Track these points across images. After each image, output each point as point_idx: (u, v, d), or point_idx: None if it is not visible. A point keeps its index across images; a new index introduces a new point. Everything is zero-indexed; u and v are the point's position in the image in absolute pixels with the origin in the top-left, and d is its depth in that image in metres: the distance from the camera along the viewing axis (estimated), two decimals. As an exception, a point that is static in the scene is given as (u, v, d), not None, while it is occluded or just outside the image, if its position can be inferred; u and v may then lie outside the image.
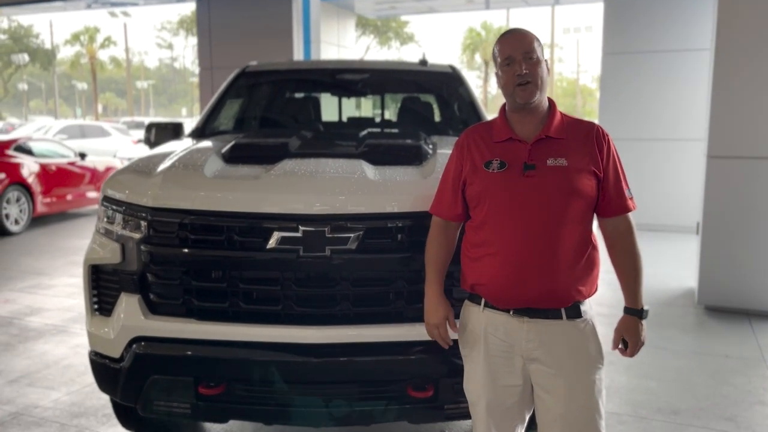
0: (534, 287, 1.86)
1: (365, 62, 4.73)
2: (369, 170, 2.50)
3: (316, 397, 2.32)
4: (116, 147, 17.12)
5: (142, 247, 2.40)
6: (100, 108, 52.54)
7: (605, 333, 1.97)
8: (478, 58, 47.91)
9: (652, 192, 8.27)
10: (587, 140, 1.93)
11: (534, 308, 1.89)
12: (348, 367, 2.30)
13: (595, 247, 1.94)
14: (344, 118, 4.43)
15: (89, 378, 3.52)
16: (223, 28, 10.65)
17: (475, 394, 2.01)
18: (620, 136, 8.10)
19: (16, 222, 8.77)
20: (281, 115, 4.16)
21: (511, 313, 1.92)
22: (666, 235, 8.03)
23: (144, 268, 2.41)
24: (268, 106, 4.27)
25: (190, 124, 4.18)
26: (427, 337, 2.33)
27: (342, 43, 13.19)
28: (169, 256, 2.37)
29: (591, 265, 1.93)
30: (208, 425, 3.24)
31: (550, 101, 2.00)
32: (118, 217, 2.52)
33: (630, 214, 1.98)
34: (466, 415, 2.18)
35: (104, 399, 3.43)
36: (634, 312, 1.98)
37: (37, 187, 9.12)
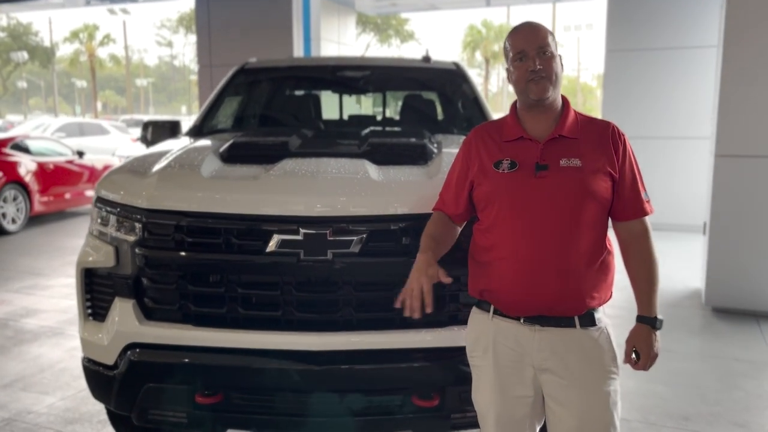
0: (546, 294, 1.77)
1: (367, 59, 4.64)
2: (372, 170, 2.41)
3: (317, 406, 2.23)
4: (115, 145, 17.01)
5: (137, 250, 2.31)
6: (99, 106, 52.46)
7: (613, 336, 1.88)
8: (478, 55, 47.82)
9: (656, 191, 8.15)
10: (602, 140, 1.84)
11: (546, 316, 1.81)
12: (350, 375, 2.22)
13: (610, 252, 1.86)
14: (345, 116, 4.34)
15: (84, 382, 3.41)
16: (223, 26, 10.55)
17: (484, 405, 1.92)
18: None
19: (13, 221, 8.68)
20: (281, 113, 4.07)
21: (522, 320, 1.83)
22: (671, 234, 7.93)
23: (139, 272, 2.33)
24: (267, 103, 4.18)
25: (189, 122, 4.09)
26: (432, 344, 2.25)
27: (342, 41, 13.10)
28: (164, 260, 2.29)
29: (606, 270, 1.84)
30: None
31: (564, 99, 1.91)
32: (112, 218, 2.44)
33: (647, 218, 1.88)
34: (474, 425, 2.10)
35: (99, 405, 3.34)
36: (647, 321, 1.89)
37: (34, 186, 9.03)
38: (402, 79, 4.18)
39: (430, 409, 2.24)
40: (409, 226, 2.22)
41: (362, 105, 9.58)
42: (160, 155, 2.72)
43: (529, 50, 1.81)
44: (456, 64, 4.07)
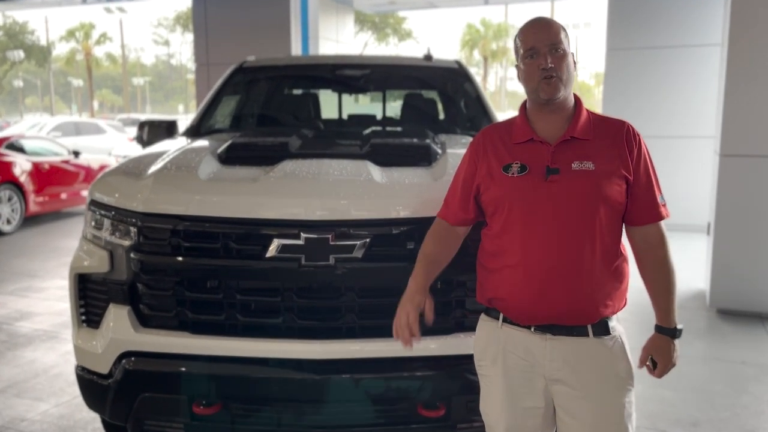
0: (558, 302, 1.70)
1: (368, 57, 4.56)
2: (375, 172, 2.34)
3: (319, 416, 2.16)
4: (111, 144, 16.89)
5: (132, 255, 2.24)
6: (96, 105, 52.30)
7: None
8: (476, 54, 47.75)
9: (658, 190, 8.12)
10: (616, 140, 1.76)
11: (558, 325, 1.73)
12: (353, 385, 2.14)
13: (624, 258, 1.78)
14: (345, 116, 4.26)
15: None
16: (220, 24, 10.47)
17: (493, 417, 1.85)
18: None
19: (8, 222, 8.58)
20: (280, 113, 3.99)
21: (533, 329, 1.76)
22: (673, 234, 7.82)
23: (134, 278, 2.25)
24: (266, 103, 4.10)
25: (186, 122, 4.00)
26: (438, 352, 2.18)
27: (341, 39, 13.02)
28: (161, 265, 2.21)
29: (620, 277, 1.77)
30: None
31: (576, 98, 1.84)
32: (107, 222, 2.36)
33: (662, 223, 1.81)
34: (481, 436, 2.03)
35: (94, 413, 3.26)
36: (666, 331, 1.82)
37: (29, 186, 8.93)
38: (403, 78, 4.10)
39: (436, 420, 2.18)
40: (414, 230, 2.14)
41: (362, 104, 9.49)
42: (157, 156, 2.64)
43: (541, 47, 1.73)
44: (458, 63, 4.00)
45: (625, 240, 1.80)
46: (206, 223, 2.17)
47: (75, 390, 3.59)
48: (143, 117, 21.78)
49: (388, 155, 2.53)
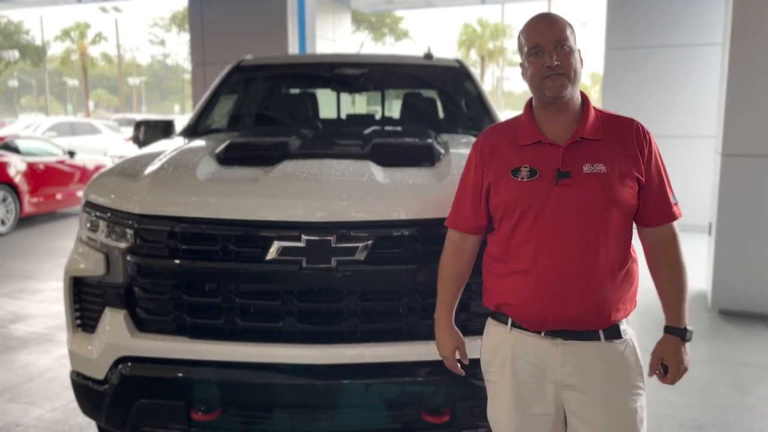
0: (570, 308, 1.65)
1: (367, 56, 4.52)
2: (378, 172, 2.28)
3: (320, 422, 2.11)
4: (107, 144, 16.80)
5: (129, 258, 2.18)
6: (91, 105, 52.04)
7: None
8: (473, 54, 47.73)
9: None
10: (627, 140, 1.71)
11: (568, 330, 1.69)
12: (355, 390, 2.09)
13: (634, 260, 1.74)
14: (343, 115, 4.21)
15: (74, 393, 3.30)
16: (216, 23, 10.42)
17: (502, 424, 1.80)
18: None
19: (3, 223, 8.50)
20: (278, 112, 3.94)
21: (543, 334, 1.71)
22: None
23: (130, 281, 2.20)
24: (264, 102, 4.04)
25: (183, 122, 3.95)
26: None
27: (338, 38, 12.97)
28: (158, 268, 2.16)
29: (630, 280, 1.72)
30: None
31: (583, 96, 1.79)
32: (102, 224, 2.30)
33: (675, 223, 1.76)
34: (487, 442, 1.98)
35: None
36: (677, 332, 1.77)
37: (24, 187, 8.85)
38: (403, 77, 4.05)
39: (441, 425, 2.13)
40: (417, 232, 2.09)
41: (360, 103, 9.44)
42: (153, 157, 2.59)
43: (546, 44, 1.68)
44: (459, 62, 3.96)
45: (634, 240, 1.75)
46: (205, 225, 2.12)
47: (70, 394, 3.53)
48: (139, 117, 21.67)
49: (391, 155, 2.48)
